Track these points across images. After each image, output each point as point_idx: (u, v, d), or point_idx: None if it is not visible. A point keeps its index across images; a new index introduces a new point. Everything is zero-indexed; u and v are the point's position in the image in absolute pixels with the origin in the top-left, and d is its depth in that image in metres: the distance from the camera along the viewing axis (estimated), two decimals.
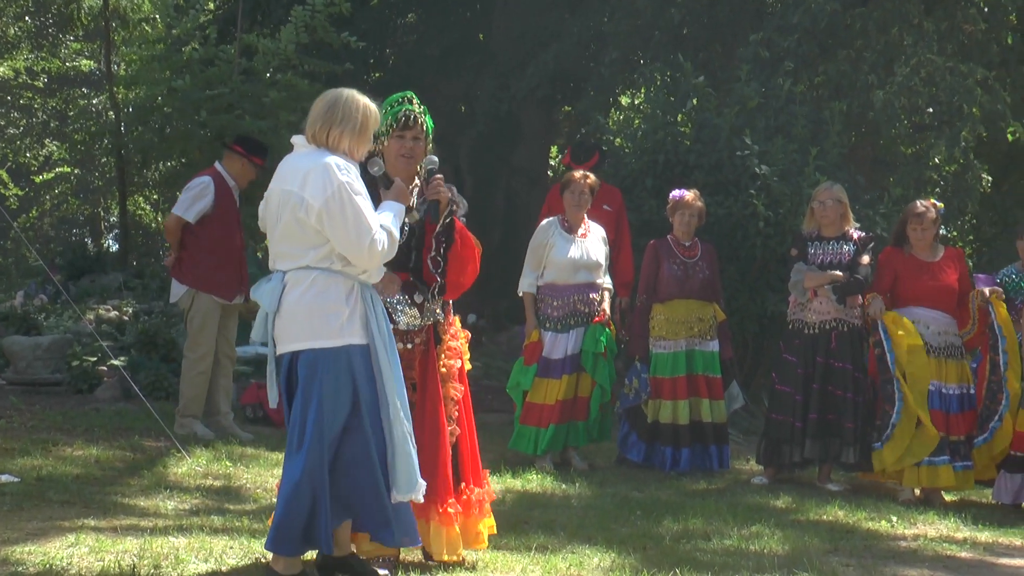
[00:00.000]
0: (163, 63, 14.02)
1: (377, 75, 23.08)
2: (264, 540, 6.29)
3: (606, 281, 10.94)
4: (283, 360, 6.10)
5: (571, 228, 10.77)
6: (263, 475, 9.32)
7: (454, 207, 6.72)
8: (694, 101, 13.79)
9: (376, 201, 6.22)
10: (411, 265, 6.66)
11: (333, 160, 5.94)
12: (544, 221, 10.95)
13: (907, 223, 10.33)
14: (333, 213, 5.86)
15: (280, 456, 10.06)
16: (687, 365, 10.92)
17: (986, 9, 14.58)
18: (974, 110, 13.62)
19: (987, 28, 14.47)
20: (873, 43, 13.99)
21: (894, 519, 9.10)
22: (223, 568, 6.46)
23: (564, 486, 9.78)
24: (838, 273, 10.40)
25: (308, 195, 5.90)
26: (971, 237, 19.33)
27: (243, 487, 8.93)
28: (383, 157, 6.64)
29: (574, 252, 10.68)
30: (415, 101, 6.70)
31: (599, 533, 7.92)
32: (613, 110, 17.37)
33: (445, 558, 6.67)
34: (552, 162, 22.75)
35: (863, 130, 15.09)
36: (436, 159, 6.66)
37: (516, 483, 9.74)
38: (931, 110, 14.27)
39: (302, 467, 5.93)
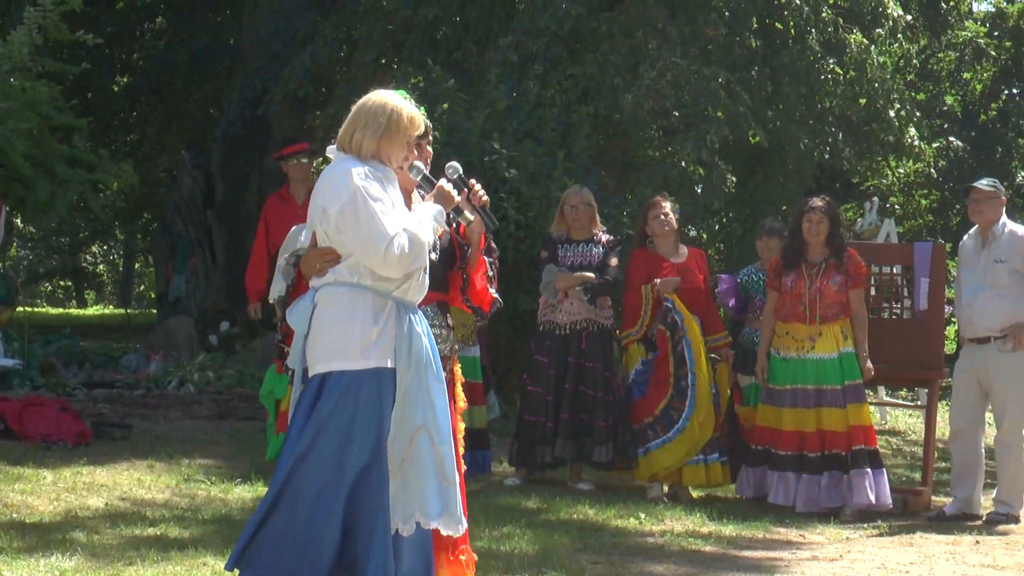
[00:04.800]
0: None
1: (125, 79, 22.69)
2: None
3: None
4: (313, 382, 5.60)
5: None
6: (2, 490, 9.02)
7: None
8: (445, 106, 13.81)
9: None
10: (463, 288, 6.20)
11: (354, 166, 5.55)
12: (294, 227, 10.82)
13: (646, 219, 10.58)
14: (347, 219, 5.47)
15: (21, 471, 9.78)
16: None
17: (727, 14, 14.92)
18: (718, 113, 13.91)
19: (728, 32, 14.81)
20: (619, 47, 14.19)
21: (642, 516, 9.26)
22: None
23: None
24: (589, 274, 10.53)
25: (327, 203, 5.53)
26: (720, 238, 19.77)
27: None
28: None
29: None
30: (410, 99, 6.01)
31: None
32: None
33: None
34: None
35: (611, 133, 15.31)
36: (458, 164, 6.07)
37: None
38: (676, 114, 14.54)
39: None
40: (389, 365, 5.54)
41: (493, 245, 6.30)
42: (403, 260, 5.47)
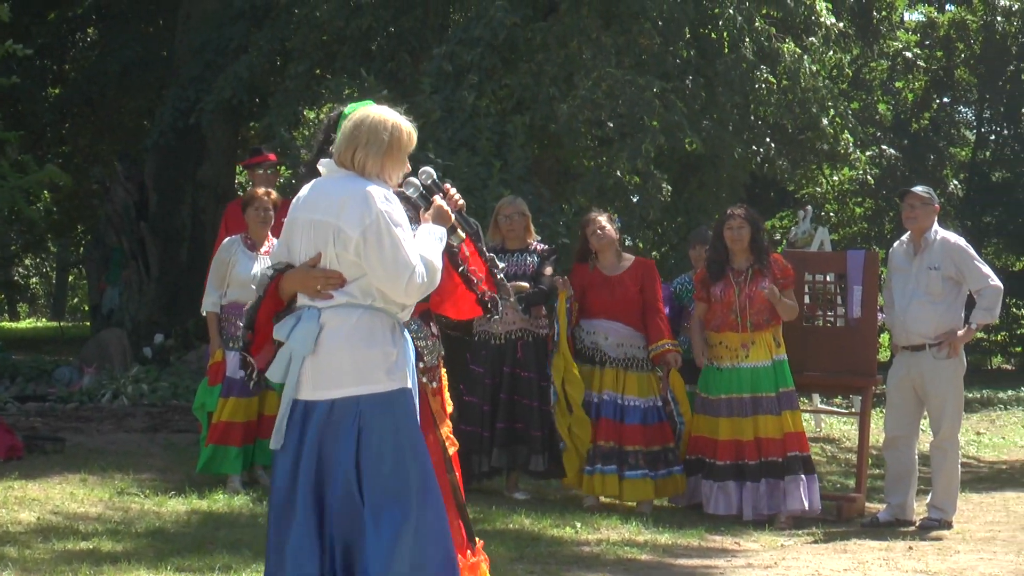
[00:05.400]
0: None
1: (56, 91, 22.53)
2: None
3: None
4: (316, 408, 5.38)
5: (254, 245, 10.62)
6: None
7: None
8: None
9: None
10: (471, 287, 5.98)
11: (373, 188, 5.36)
12: (226, 239, 10.77)
13: (586, 236, 10.60)
14: (370, 244, 5.29)
15: None
16: None
17: (661, 24, 14.97)
18: (653, 122, 13.95)
19: (662, 42, 14.86)
20: (553, 56, 14.20)
21: (578, 525, 9.26)
22: None
23: (252, 505, 9.63)
24: (524, 284, 10.51)
25: (345, 224, 5.32)
26: (657, 247, 19.82)
27: None
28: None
29: (257, 269, 10.54)
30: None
31: None
32: (302, 127, 17.25)
33: None
34: (239, 179, 22.51)
35: (546, 143, 15.32)
36: (432, 169, 5.92)
37: (202, 504, 9.53)
38: (611, 123, 14.55)
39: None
40: (408, 385, 5.45)
41: (484, 248, 6.13)
42: (421, 288, 5.38)
